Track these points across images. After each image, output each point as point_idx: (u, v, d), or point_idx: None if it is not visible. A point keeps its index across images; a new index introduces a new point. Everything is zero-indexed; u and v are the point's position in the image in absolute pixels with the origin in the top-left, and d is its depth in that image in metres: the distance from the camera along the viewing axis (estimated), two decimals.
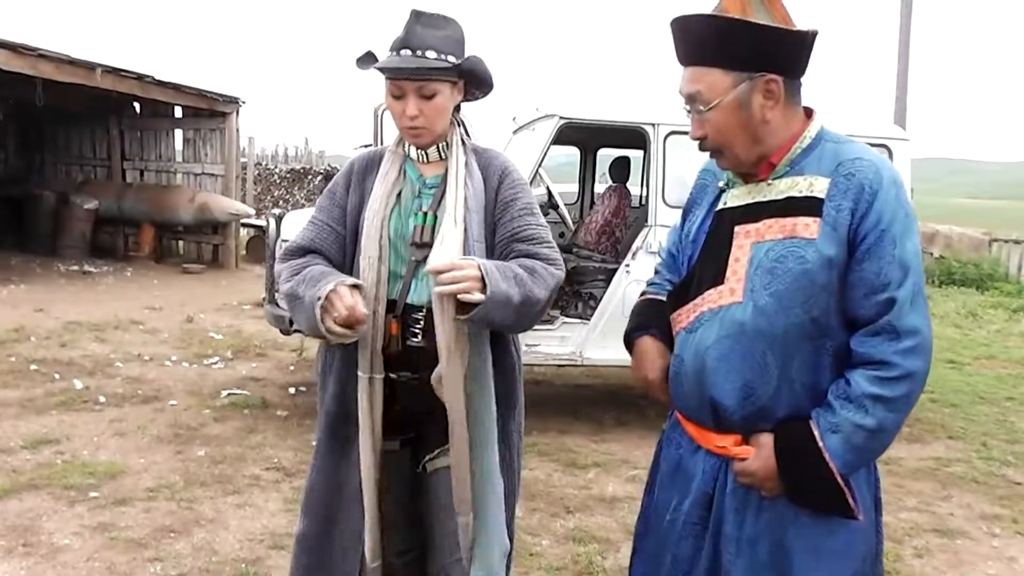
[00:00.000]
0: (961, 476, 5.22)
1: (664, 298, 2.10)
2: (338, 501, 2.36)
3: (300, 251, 2.34)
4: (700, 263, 1.96)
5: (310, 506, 2.40)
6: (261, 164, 20.67)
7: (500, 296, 2.09)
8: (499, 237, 2.30)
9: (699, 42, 1.82)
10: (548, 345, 5.75)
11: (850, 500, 1.81)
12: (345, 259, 2.35)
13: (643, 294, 2.21)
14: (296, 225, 5.95)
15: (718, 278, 1.89)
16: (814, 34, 1.83)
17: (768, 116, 1.84)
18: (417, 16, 2.24)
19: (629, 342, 2.16)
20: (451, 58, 2.23)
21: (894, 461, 5.35)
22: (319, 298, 2.11)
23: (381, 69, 2.23)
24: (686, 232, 2.06)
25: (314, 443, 2.45)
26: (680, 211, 2.18)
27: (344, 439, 2.35)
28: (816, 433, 1.78)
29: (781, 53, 1.82)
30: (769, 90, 1.82)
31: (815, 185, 1.81)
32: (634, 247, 5.77)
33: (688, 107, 1.88)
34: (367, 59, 2.27)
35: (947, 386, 7.57)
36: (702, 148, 1.91)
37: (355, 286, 2.15)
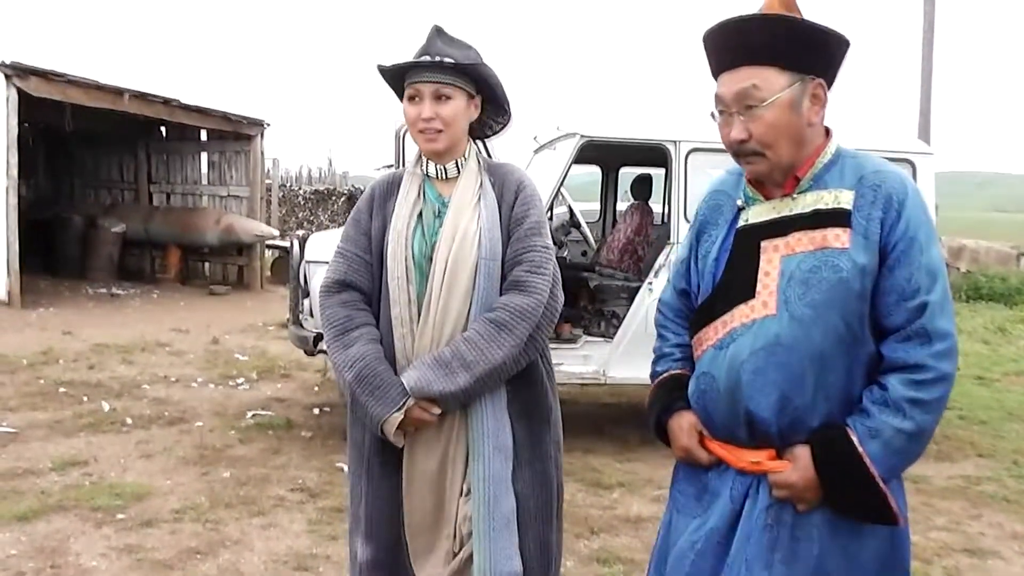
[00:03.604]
0: (992, 495, 5.14)
1: (679, 371, 2.08)
2: (399, 526, 2.36)
3: (337, 286, 2.39)
4: (726, 280, 1.96)
5: (374, 533, 2.37)
6: (285, 186, 20.82)
7: (447, 400, 2.24)
8: (507, 256, 2.33)
9: (753, 41, 1.84)
10: (571, 364, 5.74)
11: (893, 505, 1.81)
12: (374, 285, 2.39)
13: (655, 376, 2.16)
14: (320, 246, 6.00)
15: (748, 293, 1.89)
16: (849, 42, 1.87)
17: (814, 120, 1.87)
18: (439, 32, 2.32)
19: (660, 428, 2.11)
20: (470, 70, 2.30)
21: (923, 479, 5.28)
22: (384, 420, 2.24)
23: (402, 68, 2.31)
24: (703, 253, 2.05)
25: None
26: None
27: (395, 462, 2.35)
28: (855, 439, 1.78)
29: (828, 57, 1.87)
30: (816, 94, 1.86)
31: (841, 198, 1.85)
32: (656, 265, 5.76)
33: (731, 108, 1.86)
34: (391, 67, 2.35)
35: (976, 403, 7.47)
36: (742, 151, 1.89)
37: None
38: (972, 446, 6.16)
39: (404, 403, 2.23)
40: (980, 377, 8.61)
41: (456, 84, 2.29)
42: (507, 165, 2.46)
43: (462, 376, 2.22)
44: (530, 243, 2.32)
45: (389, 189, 2.43)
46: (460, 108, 2.31)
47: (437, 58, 2.27)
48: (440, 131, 2.30)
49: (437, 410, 2.26)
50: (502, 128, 2.49)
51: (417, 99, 2.30)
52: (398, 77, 2.34)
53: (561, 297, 2.39)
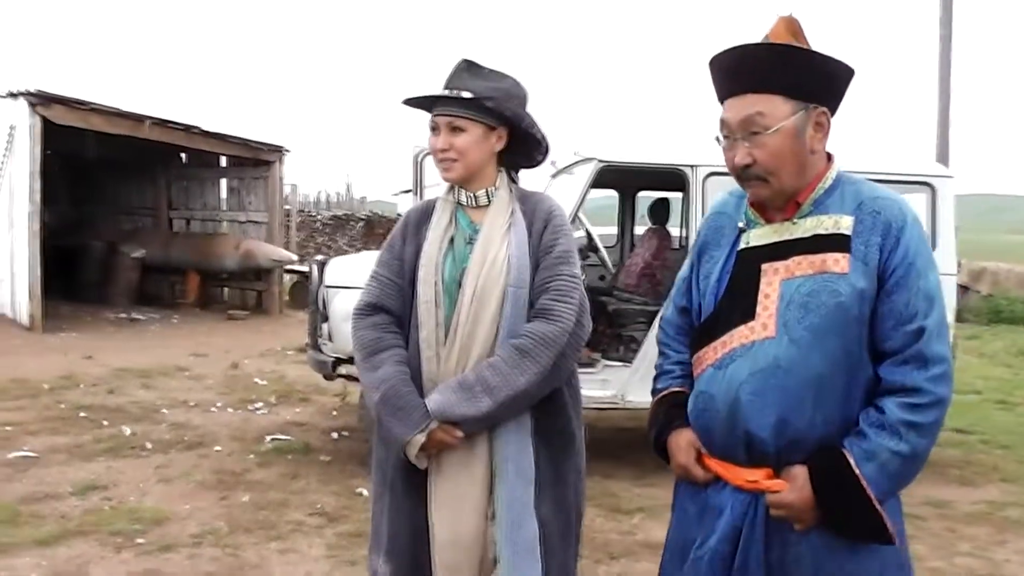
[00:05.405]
0: (1017, 520, 5.07)
1: (678, 388, 2.10)
2: (422, 544, 2.35)
3: (369, 308, 2.44)
4: (726, 301, 1.98)
5: (396, 551, 2.37)
6: (304, 211, 20.99)
7: (469, 424, 2.25)
8: (534, 284, 2.35)
9: (759, 69, 1.87)
10: (589, 388, 5.70)
11: (888, 525, 1.83)
12: (406, 310, 2.43)
13: (655, 393, 2.18)
14: (339, 271, 6.02)
15: (748, 314, 1.91)
16: (854, 72, 1.90)
17: (816, 147, 1.90)
18: (467, 65, 2.37)
19: (660, 445, 2.12)
20: (487, 103, 2.32)
21: (946, 505, 5.22)
22: (407, 441, 2.26)
23: (423, 100, 2.40)
24: (705, 274, 2.08)
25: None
26: None
27: (419, 481, 2.36)
28: (852, 461, 1.80)
29: (832, 86, 1.90)
30: (819, 123, 1.90)
31: (840, 223, 1.88)
32: None
33: (735, 134, 1.89)
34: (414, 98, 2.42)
35: (998, 427, 7.39)
36: (745, 176, 1.92)
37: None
38: (995, 471, 6.09)
39: (427, 425, 2.25)
40: (1003, 401, 8.52)
41: (470, 117, 2.33)
42: (538, 194, 2.50)
43: (484, 401, 2.24)
44: (557, 271, 2.34)
45: (423, 216, 2.49)
46: (474, 139, 2.35)
47: (454, 92, 2.33)
48: (455, 160, 2.36)
49: (460, 433, 2.27)
50: (540, 157, 2.51)
51: (436, 130, 2.38)
52: (430, 109, 2.41)
53: (588, 325, 2.40)
